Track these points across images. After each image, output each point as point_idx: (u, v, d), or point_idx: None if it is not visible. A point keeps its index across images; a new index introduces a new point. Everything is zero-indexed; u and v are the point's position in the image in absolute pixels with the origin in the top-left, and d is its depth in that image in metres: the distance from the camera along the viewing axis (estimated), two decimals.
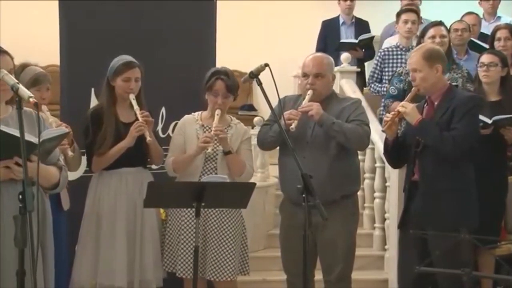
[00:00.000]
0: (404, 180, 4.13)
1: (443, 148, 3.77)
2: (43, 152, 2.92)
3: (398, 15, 6.06)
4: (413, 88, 3.95)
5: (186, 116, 4.17)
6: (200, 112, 4.16)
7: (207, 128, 4.05)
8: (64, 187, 3.27)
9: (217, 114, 3.95)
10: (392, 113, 3.89)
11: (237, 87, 4.10)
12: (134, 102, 3.92)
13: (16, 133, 2.63)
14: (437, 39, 4.86)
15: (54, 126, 3.61)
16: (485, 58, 4.65)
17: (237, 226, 4.05)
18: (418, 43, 5.07)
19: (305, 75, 3.97)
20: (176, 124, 4.29)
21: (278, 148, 4.11)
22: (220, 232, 3.99)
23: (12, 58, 2.96)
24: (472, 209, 3.86)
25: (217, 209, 3.96)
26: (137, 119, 3.91)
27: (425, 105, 3.97)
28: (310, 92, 3.90)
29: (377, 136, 5.26)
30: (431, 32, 4.94)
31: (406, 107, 3.85)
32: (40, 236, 2.83)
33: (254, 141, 4.33)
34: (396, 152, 4.02)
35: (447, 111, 3.82)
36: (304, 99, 3.92)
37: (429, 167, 3.85)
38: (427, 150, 3.84)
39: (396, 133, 3.95)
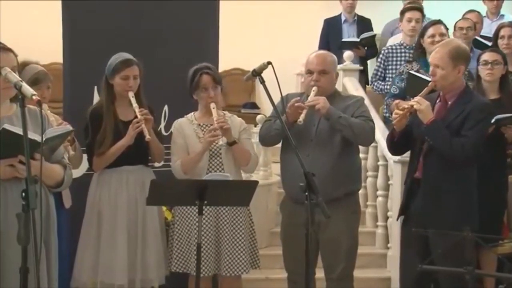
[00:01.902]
0: (406, 174, 4.12)
1: (450, 153, 3.74)
2: (48, 150, 2.93)
3: (402, 13, 6.04)
4: (430, 83, 3.90)
5: (179, 120, 4.17)
6: (192, 114, 4.16)
7: (205, 126, 4.06)
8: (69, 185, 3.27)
9: (214, 108, 3.97)
10: (406, 106, 3.81)
11: (220, 78, 4.14)
12: (133, 100, 3.92)
13: (20, 131, 2.63)
14: (437, 38, 4.83)
15: (55, 125, 3.61)
16: (489, 56, 4.63)
17: (247, 221, 4.09)
18: (418, 42, 5.05)
19: (309, 72, 3.97)
20: None
21: (280, 145, 4.11)
22: (233, 228, 4.01)
23: (15, 56, 2.97)
24: (473, 211, 3.85)
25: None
26: (136, 117, 3.90)
27: (437, 101, 3.92)
28: (315, 88, 3.89)
29: (380, 134, 5.25)
30: (430, 31, 4.91)
31: (421, 104, 3.77)
32: (44, 234, 2.84)
33: (256, 139, 4.33)
34: (401, 142, 3.99)
35: (461, 114, 3.77)
36: (307, 96, 3.92)
37: (433, 167, 3.83)
38: (433, 151, 3.82)
39: (404, 126, 3.90)
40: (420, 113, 3.78)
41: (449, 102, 3.87)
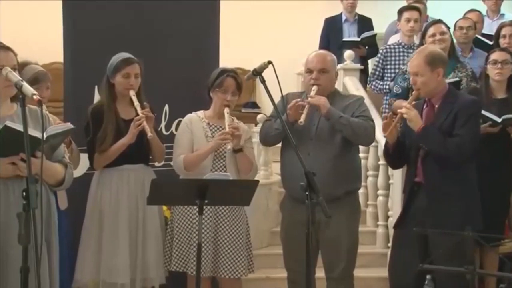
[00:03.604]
0: (405, 181, 4.13)
1: (447, 155, 3.75)
2: (48, 148, 2.93)
3: (400, 12, 6.04)
4: (414, 92, 3.94)
5: (189, 115, 4.15)
6: (202, 112, 4.15)
7: (214, 126, 4.07)
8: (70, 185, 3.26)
9: (227, 112, 3.98)
10: (394, 118, 3.85)
11: (242, 87, 4.12)
12: (134, 98, 3.92)
13: (22, 128, 2.63)
14: (438, 36, 4.83)
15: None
16: (499, 55, 4.60)
17: (244, 223, 4.08)
18: (420, 43, 5.05)
19: (309, 70, 3.98)
20: (179, 121, 4.29)
21: (280, 144, 4.10)
22: (233, 230, 4.00)
23: (15, 55, 2.97)
24: (476, 212, 3.85)
25: (227, 207, 3.97)
26: (137, 115, 3.90)
27: (424, 107, 3.95)
28: (315, 87, 3.90)
29: (380, 134, 5.24)
30: (431, 30, 4.91)
31: (409, 113, 3.81)
32: (45, 232, 2.84)
33: (256, 138, 4.32)
34: (397, 154, 4.01)
35: (449, 114, 3.80)
36: (307, 96, 3.92)
37: (433, 171, 3.83)
38: (430, 155, 3.83)
39: (396, 136, 3.94)
40: (410, 122, 3.83)
41: (436, 106, 3.90)
